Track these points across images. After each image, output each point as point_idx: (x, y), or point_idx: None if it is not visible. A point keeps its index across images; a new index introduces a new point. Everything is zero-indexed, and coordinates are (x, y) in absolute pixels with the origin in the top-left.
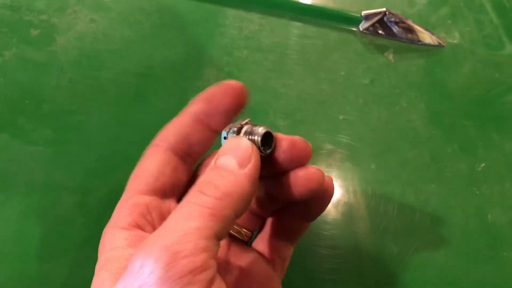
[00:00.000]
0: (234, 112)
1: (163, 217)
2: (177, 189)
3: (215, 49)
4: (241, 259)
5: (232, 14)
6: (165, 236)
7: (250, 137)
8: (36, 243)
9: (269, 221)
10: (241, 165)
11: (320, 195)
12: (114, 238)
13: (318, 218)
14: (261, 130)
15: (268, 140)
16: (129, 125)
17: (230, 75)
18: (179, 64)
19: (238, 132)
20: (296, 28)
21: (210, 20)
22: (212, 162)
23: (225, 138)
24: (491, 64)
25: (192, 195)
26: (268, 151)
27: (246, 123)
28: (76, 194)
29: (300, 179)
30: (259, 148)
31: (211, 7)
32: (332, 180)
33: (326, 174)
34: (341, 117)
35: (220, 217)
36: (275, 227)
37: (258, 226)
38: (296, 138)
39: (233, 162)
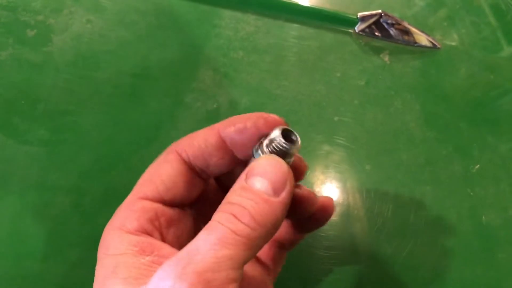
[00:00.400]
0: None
1: (171, 224)
2: (187, 200)
3: (211, 50)
4: None
5: (228, 15)
6: (198, 261)
7: (273, 145)
8: (31, 243)
9: None
10: (276, 192)
11: (314, 212)
12: (120, 243)
13: None
14: (277, 131)
15: (290, 137)
16: (125, 126)
17: (226, 77)
18: (175, 65)
19: (260, 147)
20: (292, 29)
21: (206, 21)
22: (243, 177)
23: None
24: (487, 67)
25: (226, 218)
26: (296, 147)
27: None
28: (71, 194)
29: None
30: (284, 150)
31: (207, 8)
32: (332, 201)
33: (323, 175)
34: (336, 118)
35: (252, 247)
36: None
37: None
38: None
39: (267, 187)
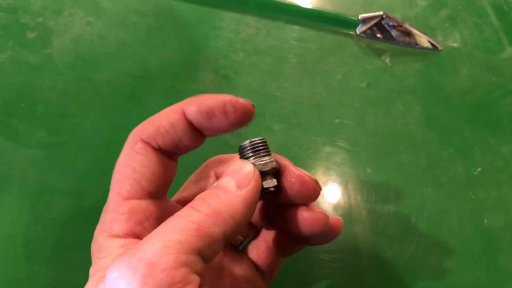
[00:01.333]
0: (234, 129)
1: (159, 221)
2: (169, 185)
3: (211, 52)
4: (235, 265)
5: (228, 17)
6: (145, 247)
7: (241, 151)
8: (29, 246)
9: (266, 233)
10: (239, 187)
11: (324, 233)
12: (109, 246)
13: None
14: (265, 167)
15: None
16: (124, 128)
17: (226, 78)
18: (175, 67)
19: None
20: (292, 31)
21: (206, 22)
22: (215, 183)
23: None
24: (489, 68)
25: (183, 210)
26: (270, 189)
27: (257, 148)
28: (70, 197)
29: (305, 220)
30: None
31: (207, 10)
32: (341, 222)
33: (324, 178)
34: (337, 120)
35: (205, 234)
36: (272, 241)
37: (252, 234)
38: (306, 177)
39: (232, 184)
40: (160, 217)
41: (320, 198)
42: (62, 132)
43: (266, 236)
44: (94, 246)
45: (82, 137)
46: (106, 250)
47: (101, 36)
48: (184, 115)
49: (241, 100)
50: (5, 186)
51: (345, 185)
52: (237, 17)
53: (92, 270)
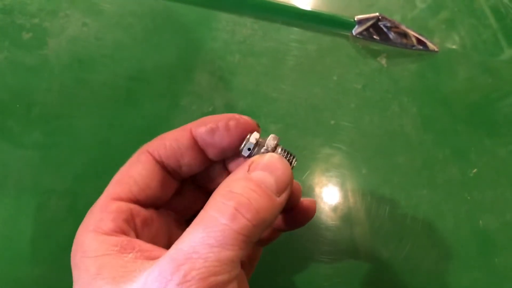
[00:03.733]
0: (236, 148)
1: (146, 224)
2: (161, 201)
3: (207, 53)
4: None
5: (225, 18)
6: (201, 266)
7: (282, 148)
8: (25, 247)
9: None
10: (278, 191)
11: (302, 214)
12: (99, 244)
13: (317, 224)
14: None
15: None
16: (120, 129)
17: (222, 80)
18: (171, 68)
19: (260, 144)
20: (288, 32)
21: (203, 24)
22: (245, 168)
23: (249, 149)
24: (486, 70)
25: (227, 212)
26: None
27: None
28: (66, 198)
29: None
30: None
31: (203, 11)
32: (314, 203)
33: (318, 179)
34: (332, 121)
35: (250, 244)
36: None
37: None
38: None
39: (273, 185)
40: (148, 220)
41: (317, 200)
42: (58, 133)
43: None
44: (77, 246)
45: (78, 138)
46: (97, 248)
47: (97, 37)
48: (190, 132)
49: (245, 116)
50: (1, 187)
51: (340, 186)
52: (234, 19)
53: (83, 270)
